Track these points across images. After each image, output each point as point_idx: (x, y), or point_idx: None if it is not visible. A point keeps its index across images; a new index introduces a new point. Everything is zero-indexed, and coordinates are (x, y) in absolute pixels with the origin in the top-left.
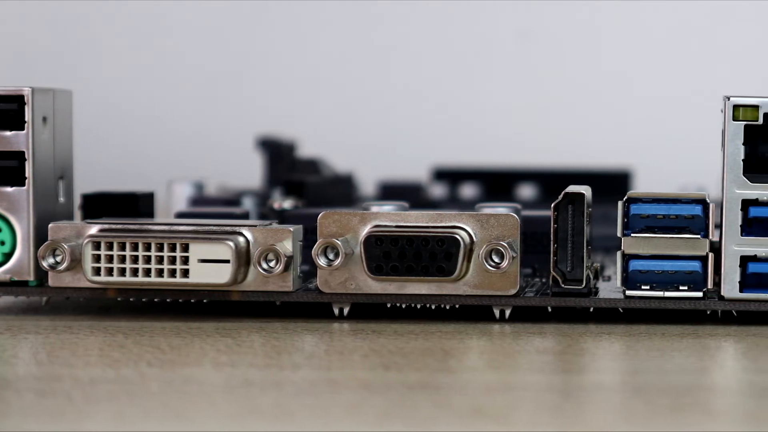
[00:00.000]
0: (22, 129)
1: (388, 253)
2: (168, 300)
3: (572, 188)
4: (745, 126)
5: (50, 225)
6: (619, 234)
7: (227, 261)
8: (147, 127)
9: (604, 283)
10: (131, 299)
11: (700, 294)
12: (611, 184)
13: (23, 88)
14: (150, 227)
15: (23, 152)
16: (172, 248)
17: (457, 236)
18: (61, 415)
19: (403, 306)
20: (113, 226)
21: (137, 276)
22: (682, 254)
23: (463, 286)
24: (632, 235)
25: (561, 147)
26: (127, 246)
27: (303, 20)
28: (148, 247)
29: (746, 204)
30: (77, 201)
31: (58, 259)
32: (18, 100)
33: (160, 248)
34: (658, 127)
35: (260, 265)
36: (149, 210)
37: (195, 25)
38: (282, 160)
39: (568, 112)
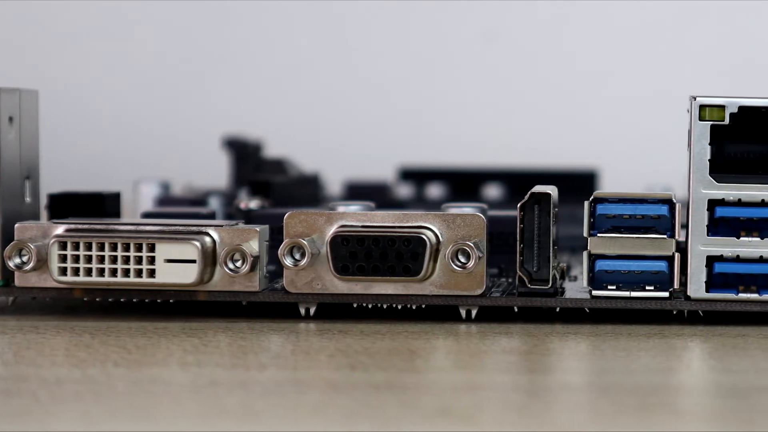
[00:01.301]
0: None
1: (355, 253)
2: (134, 300)
3: (538, 188)
4: (712, 126)
5: (16, 225)
6: (585, 234)
7: (193, 261)
8: (113, 126)
9: (571, 283)
10: (98, 299)
11: (666, 294)
12: (577, 184)
13: None
14: (116, 227)
15: None
16: (139, 248)
17: (424, 236)
18: (28, 415)
19: (370, 306)
20: (79, 226)
21: (103, 276)
22: (648, 254)
23: (429, 286)
24: (598, 235)
25: (527, 147)
26: (94, 246)
27: (269, 20)
28: (114, 247)
29: (712, 204)
30: (43, 201)
31: (25, 259)
32: None
33: (127, 248)
34: (625, 127)
35: (226, 265)
36: (116, 210)
37: (161, 24)
38: (248, 160)
39: (534, 113)
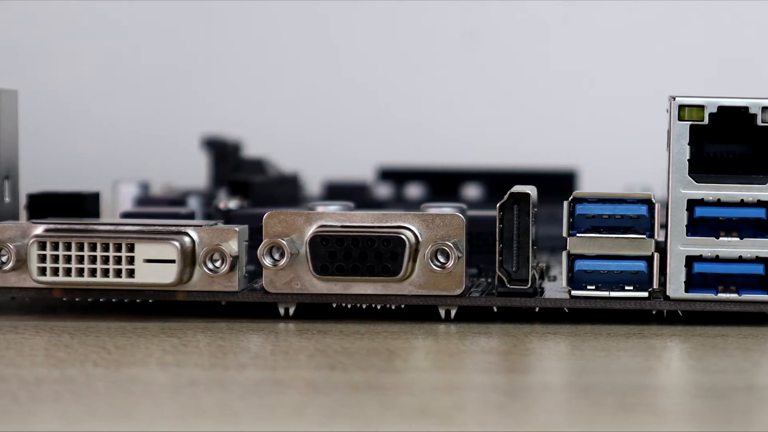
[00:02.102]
0: None
1: (334, 253)
2: (113, 300)
3: (518, 188)
4: (691, 126)
5: None
6: (564, 234)
7: (173, 261)
8: (92, 127)
9: (550, 283)
10: (77, 299)
11: (645, 294)
12: (557, 184)
13: None
14: (95, 227)
15: None
16: (118, 248)
17: (403, 236)
18: (7, 415)
19: (349, 306)
20: (59, 226)
21: (83, 276)
22: (627, 254)
23: (408, 286)
24: (578, 235)
25: (506, 147)
26: (73, 246)
27: (249, 20)
28: (93, 247)
29: (692, 204)
30: (23, 201)
31: (4, 259)
32: None
33: (106, 248)
34: (604, 127)
35: (206, 265)
36: (95, 210)
37: (140, 25)
38: (227, 160)
39: (514, 112)
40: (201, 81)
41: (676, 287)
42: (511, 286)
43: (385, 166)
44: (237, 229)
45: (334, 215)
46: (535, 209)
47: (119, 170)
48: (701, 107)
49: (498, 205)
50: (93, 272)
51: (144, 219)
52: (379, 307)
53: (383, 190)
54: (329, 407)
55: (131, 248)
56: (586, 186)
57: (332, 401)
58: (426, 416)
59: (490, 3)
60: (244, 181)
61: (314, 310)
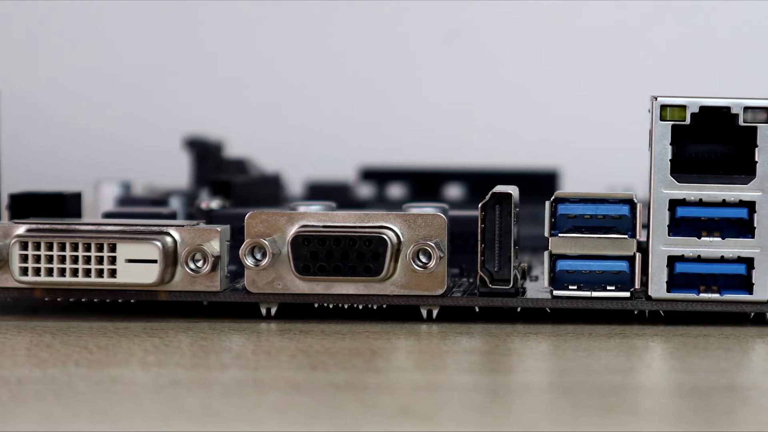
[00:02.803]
0: None
1: (316, 253)
2: (95, 300)
3: (499, 188)
4: (673, 126)
5: None
6: (546, 234)
7: (154, 261)
8: (74, 126)
9: (532, 283)
10: (59, 299)
11: (627, 294)
12: (539, 184)
13: None
14: (77, 227)
15: None
16: (100, 248)
17: (385, 236)
18: None
19: (331, 306)
20: (41, 226)
21: (65, 276)
22: (609, 254)
23: (390, 286)
24: (559, 235)
25: (488, 147)
26: (55, 246)
27: (229, 20)
28: (75, 247)
29: (673, 204)
30: (4, 201)
31: None
32: None
33: (88, 248)
34: (586, 127)
35: (187, 265)
36: (77, 210)
37: (121, 24)
38: (209, 160)
39: (496, 112)
40: (183, 81)
41: (657, 287)
42: (493, 286)
43: (367, 166)
44: (219, 229)
45: (315, 215)
46: (517, 209)
47: (101, 170)
48: (683, 107)
49: (480, 205)
50: (75, 272)
51: (126, 219)
52: (360, 307)
53: (365, 190)
54: (311, 407)
55: (113, 248)
56: (568, 186)
57: (314, 401)
58: (408, 416)
59: (472, 3)
60: (225, 181)
61: (296, 310)
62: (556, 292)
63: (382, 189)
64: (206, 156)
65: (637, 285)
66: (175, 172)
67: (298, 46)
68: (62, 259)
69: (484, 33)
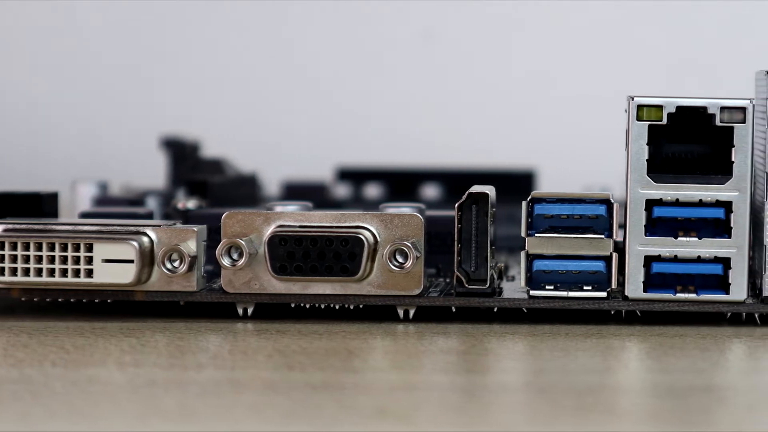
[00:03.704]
0: None
1: (292, 253)
2: (72, 300)
3: (476, 188)
4: (649, 126)
5: None
6: (523, 234)
7: (131, 261)
8: (50, 126)
9: (509, 283)
10: (35, 299)
11: (604, 294)
12: (515, 184)
13: None
14: (54, 227)
15: None
16: (76, 248)
17: (361, 236)
18: None
19: (307, 306)
20: (17, 226)
21: (41, 276)
22: (586, 254)
23: (367, 286)
24: (536, 235)
25: (465, 147)
26: (31, 246)
27: (206, 20)
28: (52, 247)
29: (650, 204)
30: None
31: None
32: None
33: (64, 248)
34: (563, 127)
35: (164, 265)
36: (53, 210)
37: (99, 23)
38: (186, 161)
39: (472, 112)
40: (159, 81)
41: (634, 287)
42: (470, 286)
43: (344, 166)
44: (195, 229)
45: (292, 215)
46: (494, 209)
47: (78, 170)
48: (660, 107)
49: (456, 205)
50: (51, 272)
51: (102, 219)
52: (337, 307)
53: (342, 190)
54: (287, 407)
55: (90, 248)
56: (545, 186)
57: (290, 401)
58: (384, 416)
59: (448, 3)
60: (202, 181)
61: (273, 310)
62: (532, 292)
63: (359, 189)
64: (183, 156)
65: (613, 285)
66: (152, 172)
67: (275, 46)
68: (39, 259)
69: (460, 33)
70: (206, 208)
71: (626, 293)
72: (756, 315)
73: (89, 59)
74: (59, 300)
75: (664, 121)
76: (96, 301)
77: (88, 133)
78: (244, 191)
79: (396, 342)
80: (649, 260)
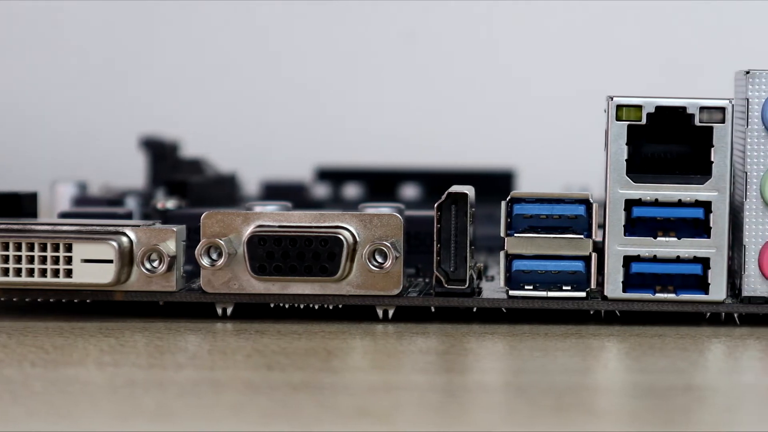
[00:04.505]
0: None
1: (272, 253)
2: (51, 300)
3: (455, 188)
4: (629, 126)
5: None
6: (502, 234)
7: (110, 261)
8: (29, 126)
9: (488, 283)
10: (14, 299)
11: (583, 294)
12: (495, 184)
13: None
14: (33, 227)
15: None
16: (56, 248)
17: (341, 236)
18: None
19: (287, 306)
20: None
21: (20, 276)
22: (565, 254)
23: (346, 286)
24: (515, 235)
25: (444, 147)
26: (11, 246)
27: (186, 19)
28: (31, 247)
29: (629, 204)
30: None
31: None
32: None
33: (44, 248)
34: (542, 127)
35: (143, 265)
36: (32, 210)
37: (78, 22)
38: (165, 160)
39: (452, 112)
40: (139, 81)
41: (613, 287)
42: (449, 286)
43: (323, 166)
44: (175, 229)
45: (271, 215)
46: (473, 209)
47: (57, 170)
48: (639, 107)
49: (436, 205)
50: (31, 272)
51: (82, 219)
52: (316, 307)
53: (321, 190)
54: (267, 407)
55: (69, 248)
56: (524, 186)
57: (270, 401)
58: (364, 416)
59: (429, 3)
60: (181, 181)
61: (252, 310)
62: (511, 292)
63: (338, 189)
64: (162, 156)
65: (593, 285)
66: (131, 172)
67: (254, 46)
68: (18, 259)
69: (440, 33)
70: (185, 208)
71: (605, 293)
72: (735, 315)
73: (69, 58)
74: (38, 300)
75: (644, 121)
76: (75, 301)
77: (68, 133)
78: (224, 191)
79: (375, 342)
80: (628, 260)
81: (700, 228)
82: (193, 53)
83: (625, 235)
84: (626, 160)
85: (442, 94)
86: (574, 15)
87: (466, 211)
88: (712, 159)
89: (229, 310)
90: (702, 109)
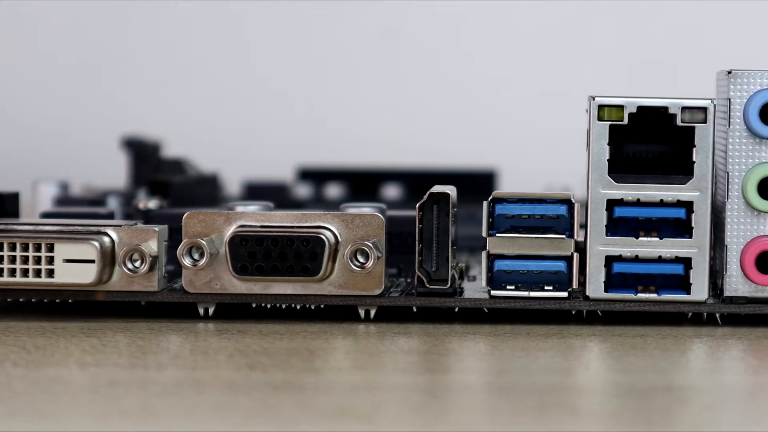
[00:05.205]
0: None
1: (253, 253)
2: (33, 300)
3: (437, 188)
4: (610, 126)
5: None
6: (484, 234)
7: (92, 261)
8: (11, 126)
9: (470, 283)
10: None
11: (565, 294)
12: (476, 184)
13: None
14: (15, 227)
15: None
16: (38, 248)
17: (322, 236)
18: None
19: (268, 306)
20: None
21: (2, 276)
22: (547, 254)
23: (328, 286)
24: (497, 235)
25: (426, 147)
26: None
27: (166, 19)
28: (13, 247)
29: (611, 204)
30: None
31: None
32: None
33: (25, 248)
34: (524, 127)
35: (125, 265)
36: (14, 210)
37: (59, 22)
38: (147, 160)
39: (433, 112)
40: (121, 81)
41: (595, 287)
42: (431, 286)
43: (305, 166)
44: (156, 229)
45: (253, 215)
46: (455, 209)
47: (38, 170)
48: (621, 107)
49: (417, 205)
50: (12, 272)
51: (63, 219)
52: (298, 307)
53: (303, 190)
54: (249, 407)
55: (51, 248)
56: (506, 186)
57: (252, 401)
58: (346, 416)
59: (408, 2)
60: (163, 181)
61: (234, 310)
62: (493, 292)
63: (320, 189)
64: (144, 156)
65: (574, 285)
66: (113, 172)
67: (235, 46)
68: (0, 259)
69: (421, 33)
70: (167, 208)
71: (587, 293)
72: (717, 315)
73: (49, 58)
74: (20, 300)
75: (625, 121)
76: (57, 301)
77: (49, 133)
78: (206, 191)
79: (357, 342)
80: (610, 260)
81: (681, 228)
82: (175, 53)
83: (606, 235)
84: (608, 160)
85: (424, 94)
86: (555, 14)
87: (448, 211)
88: (694, 159)
89: (210, 310)
90: (684, 109)
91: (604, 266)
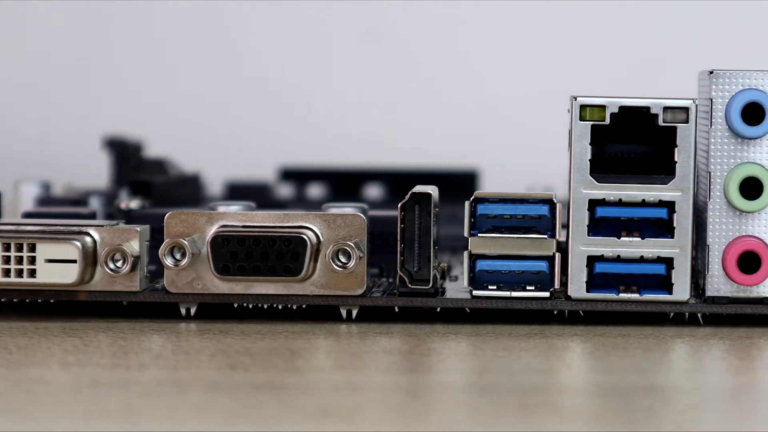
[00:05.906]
0: None
1: (235, 253)
2: (15, 300)
3: (419, 188)
4: (592, 126)
5: None
6: (466, 234)
7: (74, 261)
8: None
9: (451, 283)
10: None
11: (547, 294)
12: (458, 184)
13: None
14: None
15: None
16: (19, 248)
17: (304, 236)
18: None
19: (250, 306)
20: None
21: None
22: (529, 254)
23: (310, 286)
24: (479, 235)
25: (408, 147)
26: None
27: (149, 19)
28: None
29: (593, 204)
30: None
31: None
32: None
33: (7, 248)
34: (506, 127)
35: (107, 265)
36: None
37: (42, 22)
38: (129, 160)
39: (415, 112)
40: (102, 80)
41: (577, 287)
42: (413, 286)
43: (287, 166)
44: (138, 229)
45: (235, 215)
46: (437, 209)
47: (20, 170)
48: (602, 107)
49: (399, 205)
50: None
51: (45, 219)
52: (280, 307)
53: (285, 190)
54: (230, 407)
55: (33, 248)
56: (488, 186)
57: (233, 401)
58: (327, 416)
59: (391, 2)
60: (145, 181)
61: (215, 310)
62: (475, 292)
63: (302, 189)
64: (126, 156)
65: (556, 285)
66: (95, 172)
67: (217, 45)
68: None
69: (403, 32)
70: (149, 208)
71: (569, 293)
72: (699, 315)
73: (31, 58)
74: (2, 300)
75: (607, 121)
76: (39, 301)
77: (31, 133)
78: (187, 191)
79: (339, 342)
80: (592, 260)
81: (663, 228)
82: (157, 53)
83: (588, 235)
84: (590, 160)
85: (405, 93)
86: (538, 15)
87: (430, 211)
88: (676, 159)
89: (192, 310)
90: (666, 109)
91: (586, 266)
